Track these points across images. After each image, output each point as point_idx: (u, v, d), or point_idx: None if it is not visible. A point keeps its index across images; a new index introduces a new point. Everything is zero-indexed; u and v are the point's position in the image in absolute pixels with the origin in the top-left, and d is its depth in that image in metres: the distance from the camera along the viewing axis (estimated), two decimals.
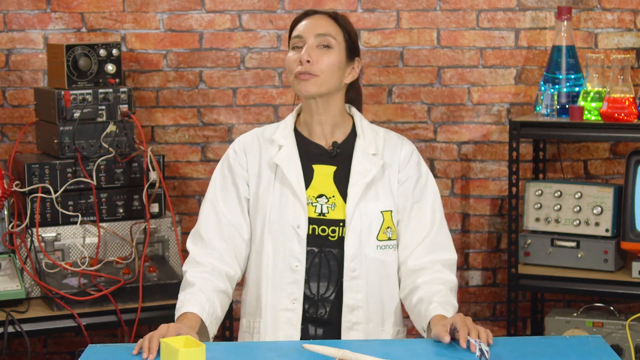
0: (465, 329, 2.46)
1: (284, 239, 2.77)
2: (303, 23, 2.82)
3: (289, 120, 2.89)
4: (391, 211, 2.81)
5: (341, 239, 2.77)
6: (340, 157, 2.83)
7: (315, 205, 2.78)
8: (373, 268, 2.79)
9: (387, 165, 2.82)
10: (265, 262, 2.79)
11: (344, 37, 2.82)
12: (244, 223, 2.82)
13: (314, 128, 2.85)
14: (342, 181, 2.80)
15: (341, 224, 2.77)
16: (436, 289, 2.70)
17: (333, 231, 2.77)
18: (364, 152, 2.81)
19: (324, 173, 2.81)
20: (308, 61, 2.75)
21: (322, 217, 2.78)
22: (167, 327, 2.51)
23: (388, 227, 2.80)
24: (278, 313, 2.77)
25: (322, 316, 2.79)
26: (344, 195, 2.79)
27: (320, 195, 2.79)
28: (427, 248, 2.79)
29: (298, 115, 2.91)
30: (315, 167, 2.82)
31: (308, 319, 2.79)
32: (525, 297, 4.35)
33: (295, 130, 2.87)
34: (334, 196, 2.79)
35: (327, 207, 2.78)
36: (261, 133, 2.90)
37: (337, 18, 2.83)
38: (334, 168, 2.82)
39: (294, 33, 2.82)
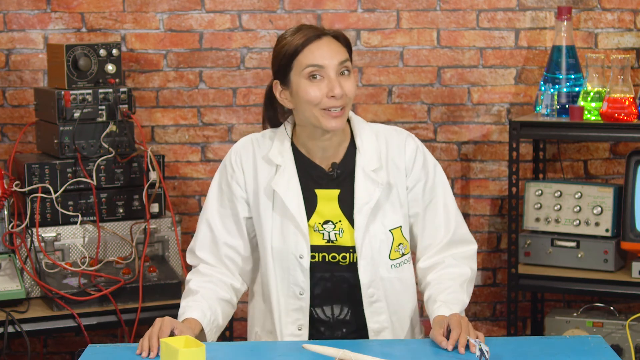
0: (458, 331, 2.45)
1: (288, 267, 2.71)
2: (316, 50, 2.65)
3: (285, 137, 2.75)
4: (400, 227, 2.74)
5: (352, 264, 2.71)
6: (341, 177, 2.73)
7: (323, 233, 2.71)
8: (390, 288, 2.73)
9: (392, 182, 2.73)
10: (272, 287, 2.73)
11: (350, 56, 2.71)
12: (241, 242, 2.76)
13: (316, 152, 2.74)
14: (347, 204, 2.72)
15: (351, 250, 2.71)
16: (444, 286, 2.67)
17: (344, 257, 2.71)
18: (365, 171, 2.71)
19: (328, 198, 2.73)
20: (342, 95, 2.63)
21: (330, 244, 2.71)
22: (161, 321, 2.50)
23: (400, 244, 2.75)
24: (285, 338, 2.73)
25: (339, 337, 2.74)
26: (350, 218, 2.71)
27: (327, 222, 2.72)
28: (442, 248, 2.76)
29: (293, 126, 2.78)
30: (318, 192, 2.73)
31: (325, 339, 2.73)
32: (525, 297, 4.35)
33: (293, 145, 2.75)
34: (340, 221, 2.71)
35: (335, 233, 2.71)
36: (257, 145, 2.76)
37: (342, 39, 2.70)
38: (337, 191, 2.73)
39: (309, 62, 2.64)
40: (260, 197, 2.73)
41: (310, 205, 2.72)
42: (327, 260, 2.71)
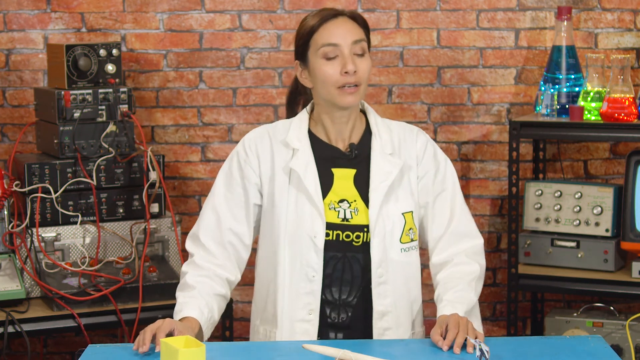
0: (454, 331, 2.46)
1: (300, 249, 2.72)
2: (332, 29, 2.72)
3: (303, 120, 2.81)
4: (412, 212, 2.77)
5: (365, 244, 2.73)
6: (358, 158, 2.77)
7: (338, 211, 2.73)
8: (398, 271, 2.75)
9: (405, 165, 2.77)
10: (281, 271, 2.73)
11: (367, 38, 2.76)
12: (246, 229, 2.77)
13: (332, 132, 2.78)
14: (362, 184, 2.75)
15: (365, 229, 2.72)
16: (451, 284, 2.68)
17: (357, 236, 2.72)
18: (381, 153, 2.76)
19: (344, 177, 2.76)
20: (355, 72, 2.69)
21: (346, 222, 2.72)
22: (162, 321, 2.51)
23: (410, 229, 2.77)
24: (295, 324, 2.73)
25: (344, 321, 2.75)
26: (365, 198, 2.74)
27: (342, 200, 2.74)
28: (450, 240, 2.77)
29: (310, 112, 2.83)
30: (335, 170, 2.76)
31: (329, 324, 2.75)
32: (525, 297, 4.35)
33: (309, 132, 2.80)
34: (355, 200, 2.74)
35: (350, 212, 2.73)
36: (273, 133, 2.80)
37: (359, 20, 2.76)
38: (353, 171, 2.76)
39: (325, 40, 2.71)
40: (277, 178, 2.75)
41: (327, 184, 2.75)
42: (341, 238, 2.72)
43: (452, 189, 2.82)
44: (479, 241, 2.81)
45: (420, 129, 2.86)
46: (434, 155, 2.81)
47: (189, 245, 2.81)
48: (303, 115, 2.82)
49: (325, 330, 2.75)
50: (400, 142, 2.80)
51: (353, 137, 2.80)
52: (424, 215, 2.81)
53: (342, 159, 2.77)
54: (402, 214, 2.75)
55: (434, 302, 2.72)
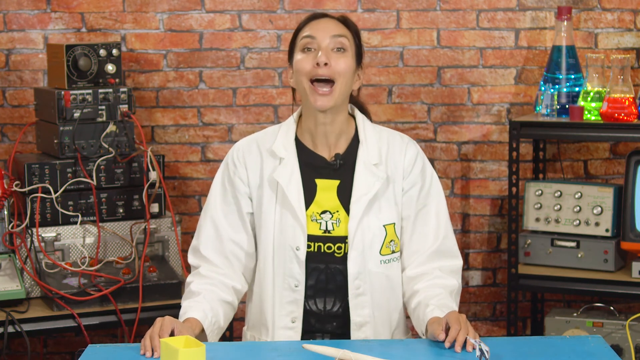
0: (457, 327, 2.45)
1: (284, 259, 2.73)
2: (314, 25, 2.73)
3: (290, 128, 2.80)
4: (394, 224, 2.76)
5: (346, 256, 2.73)
6: (343, 168, 2.76)
7: (320, 222, 2.73)
8: (377, 283, 2.75)
9: (390, 178, 2.76)
10: (267, 280, 2.75)
11: (354, 41, 2.75)
12: (245, 237, 2.78)
13: (318, 139, 2.77)
14: (345, 195, 2.74)
15: (346, 240, 2.73)
16: (434, 292, 2.68)
17: (339, 248, 2.73)
18: (366, 164, 2.74)
19: (328, 188, 2.75)
20: (326, 64, 2.67)
21: (327, 234, 2.73)
22: (161, 320, 2.51)
23: (391, 241, 2.76)
24: (278, 331, 2.74)
25: (329, 331, 2.76)
26: (347, 210, 2.73)
27: (325, 212, 2.74)
28: (430, 256, 2.76)
29: (299, 117, 2.83)
30: (319, 181, 2.75)
31: (316, 331, 2.76)
32: (525, 297, 4.35)
33: (297, 139, 2.79)
34: (337, 211, 2.74)
35: (332, 223, 2.73)
36: (261, 141, 2.80)
37: (346, 22, 2.77)
38: (337, 182, 2.75)
39: (304, 33, 2.72)
40: (265, 189, 2.76)
41: (310, 194, 2.74)
42: (322, 250, 2.73)
43: (436, 205, 2.80)
44: (458, 262, 2.80)
45: (412, 140, 2.83)
46: (422, 169, 2.79)
47: (191, 259, 2.81)
48: (290, 122, 2.81)
49: (312, 337, 2.76)
50: (388, 152, 2.78)
51: (339, 145, 2.78)
52: (404, 227, 2.79)
53: (327, 169, 2.76)
54: (384, 225, 2.75)
55: (410, 307, 2.73)
